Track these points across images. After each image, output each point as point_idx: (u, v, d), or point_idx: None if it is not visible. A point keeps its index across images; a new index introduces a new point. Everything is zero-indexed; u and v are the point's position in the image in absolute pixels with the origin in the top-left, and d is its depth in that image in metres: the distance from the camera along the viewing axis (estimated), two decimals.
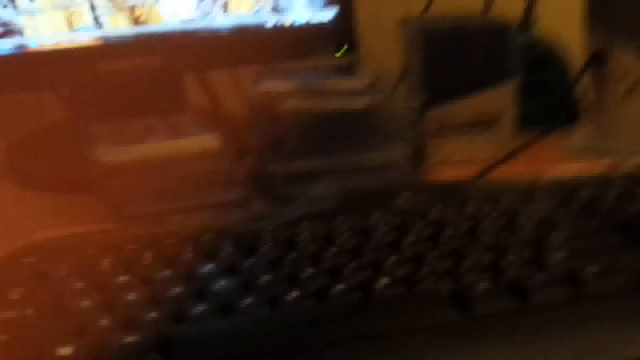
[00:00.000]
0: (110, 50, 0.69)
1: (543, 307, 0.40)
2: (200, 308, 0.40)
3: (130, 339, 0.37)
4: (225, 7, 0.72)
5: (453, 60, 0.68)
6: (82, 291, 0.41)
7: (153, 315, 0.39)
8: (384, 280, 0.41)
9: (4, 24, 0.66)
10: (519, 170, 0.66)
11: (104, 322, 0.38)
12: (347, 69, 0.73)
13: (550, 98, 0.79)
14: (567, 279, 0.41)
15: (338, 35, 0.76)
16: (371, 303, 0.40)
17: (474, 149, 0.69)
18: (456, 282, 0.41)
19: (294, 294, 0.41)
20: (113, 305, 0.40)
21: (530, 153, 0.69)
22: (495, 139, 0.69)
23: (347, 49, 0.76)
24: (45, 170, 0.69)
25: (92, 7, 0.68)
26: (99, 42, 0.69)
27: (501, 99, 0.69)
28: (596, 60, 0.75)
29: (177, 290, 0.41)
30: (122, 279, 0.42)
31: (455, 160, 0.69)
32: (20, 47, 0.67)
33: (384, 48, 0.76)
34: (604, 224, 0.48)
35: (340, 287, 0.41)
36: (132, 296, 0.41)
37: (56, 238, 0.49)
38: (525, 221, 0.48)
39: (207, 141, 0.58)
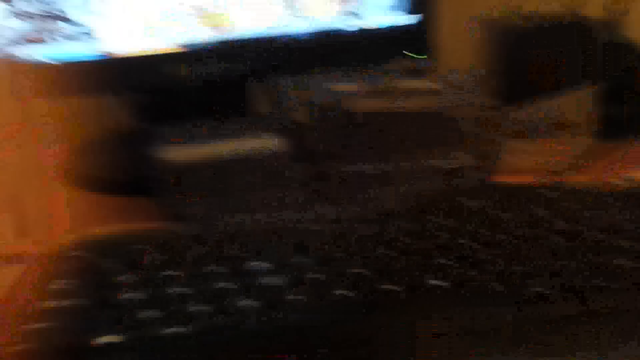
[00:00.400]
0: (192, 56, 0.71)
1: (604, 313, 0.37)
2: (246, 302, 0.39)
3: (173, 330, 0.37)
4: (305, 12, 0.72)
5: (532, 60, 0.66)
6: (126, 284, 0.42)
7: (197, 308, 0.39)
8: (434, 280, 0.40)
9: (88, 31, 0.68)
10: (593, 180, 0.62)
11: (146, 314, 0.38)
12: (424, 72, 0.72)
13: (633, 104, 0.75)
14: (629, 285, 0.38)
15: (417, 39, 0.75)
16: (421, 301, 0.39)
17: (549, 154, 0.66)
18: (512, 283, 0.39)
19: (341, 291, 0.40)
20: (157, 298, 0.40)
21: (607, 163, 0.66)
22: (573, 145, 0.66)
23: (425, 54, 0.74)
24: (106, 172, 0.71)
25: (175, 14, 0.70)
26: (181, 49, 0.70)
27: (581, 102, 0.65)
28: None
29: (223, 284, 0.41)
30: (168, 272, 0.43)
31: (529, 165, 0.66)
32: (103, 53, 0.69)
33: (461, 49, 0.74)
34: None
35: (387, 286, 0.40)
36: (177, 290, 0.41)
37: (105, 234, 0.49)
38: (591, 227, 0.45)
39: (269, 142, 0.57)
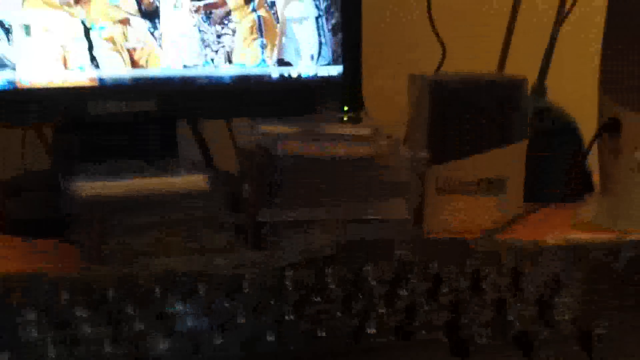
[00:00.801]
0: (105, 92, 0.67)
1: None
2: (166, 345, 0.35)
3: None
4: (229, 56, 0.70)
5: (461, 117, 0.66)
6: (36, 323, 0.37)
7: (111, 350, 0.35)
8: (373, 330, 0.37)
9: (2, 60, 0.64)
10: (520, 237, 0.62)
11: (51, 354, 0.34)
12: (352, 121, 0.71)
13: (560, 167, 0.76)
14: (574, 338, 0.36)
15: (345, 90, 0.74)
16: (360, 352, 0.36)
17: (477, 210, 0.65)
18: (455, 335, 0.37)
19: (271, 338, 0.37)
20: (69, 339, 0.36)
21: (535, 222, 0.66)
22: (501, 202, 0.66)
23: (353, 105, 0.73)
24: (23, 214, 0.66)
25: (90, 47, 0.66)
26: (93, 84, 0.67)
27: (509, 161, 0.65)
28: (608, 130, 0.72)
29: (142, 327, 0.37)
30: (82, 314, 0.39)
31: (457, 221, 0.65)
32: (12, 82, 0.65)
33: (390, 104, 0.74)
34: (614, 287, 0.44)
35: (321, 334, 0.37)
36: (91, 331, 0.37)
37: (14, 273, 0.45)
38: (531, 281, 0.44)
39: (195, 181, 0.54)
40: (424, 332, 0.37)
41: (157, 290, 0.42)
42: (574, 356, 0.35)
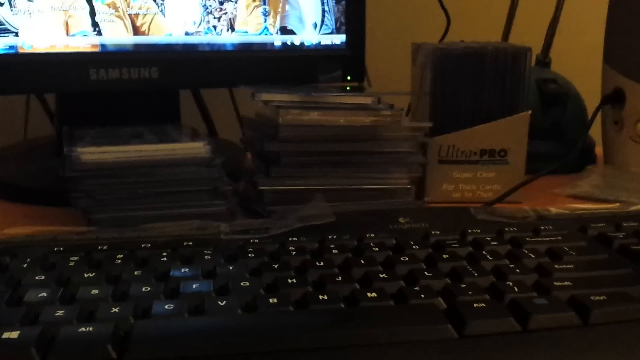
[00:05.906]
0: (106, 58, 0.67)
1: (544, 333, 0.35)
2: (167, 306, 0.36)
3: (84, 329, 0.33)
4: (231, 23, 0.70)
5: (464, 86, 0.65)
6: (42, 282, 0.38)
7: (114, 309, 0.35)
8: (374, 294, 0.37)
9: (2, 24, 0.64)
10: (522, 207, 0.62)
11: (59, 312, 0.34)
12: (355, 90, 0.70)
13: (561, 137, 0.76)
14: (571, 306, 0.36)
15: (347, 59, 0.73)
16: (358, 314, 0.36)
17: (479, 180, 0.65)
18: (453, 300, 0.37)
19: (272, 299, 0.37)
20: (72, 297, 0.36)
21: (537, 193, 0.66)
22: (503, 173, 0.65)
23: (356, 74, 0.73)
24: (22, 181, 0.66)
25: (92, 13, 0.66)
26: (95, 49, 0.67)
27: (512, 131, 0.65)
28: (611, 101, 0.72)
29: (144, 288, 0.38)
30: (87, 275, 0.39)
31: (459, 191, 0.65)
32: (13, 47, 0.64)
33: (393, 73, 0.74)
34: (612, 258, 0.44)
35: (322, 297, 0.37)
36: (94, 290, 0.37)
37: (16, 235, 0.45)
38: (529, 250, 0.44)
39: (195, 147, 0.54)
40: (422, 296, 0.37)
41: (162, 253, 0.43)
42: (570, 324, 0.35)
